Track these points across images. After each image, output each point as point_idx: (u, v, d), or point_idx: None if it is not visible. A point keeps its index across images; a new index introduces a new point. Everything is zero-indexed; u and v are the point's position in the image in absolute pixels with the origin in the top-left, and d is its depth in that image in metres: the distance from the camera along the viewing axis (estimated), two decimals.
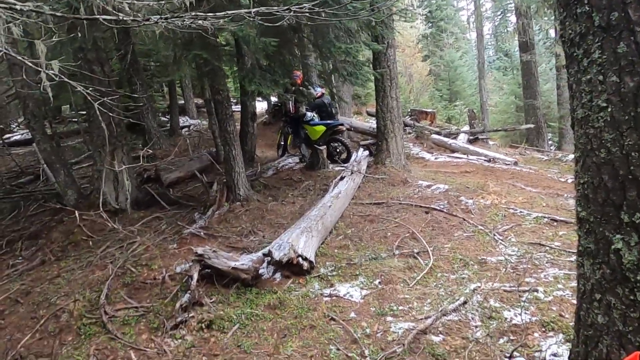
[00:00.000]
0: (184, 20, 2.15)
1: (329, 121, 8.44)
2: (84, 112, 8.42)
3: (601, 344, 1.89)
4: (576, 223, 2.02)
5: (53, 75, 2.24)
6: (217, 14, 2.32)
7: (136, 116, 9.54)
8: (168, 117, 12.39)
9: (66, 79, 2.26)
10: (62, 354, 3.29)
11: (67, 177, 6.43)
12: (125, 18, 1.98)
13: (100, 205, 2.99)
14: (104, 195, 6.03)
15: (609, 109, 1.76)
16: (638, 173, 1.71)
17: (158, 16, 2.04)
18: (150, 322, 3.59)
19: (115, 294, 4.04)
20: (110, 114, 3.78)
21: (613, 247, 1.80)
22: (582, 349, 2.01)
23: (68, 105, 12.16)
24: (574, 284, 3.06)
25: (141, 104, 9.41)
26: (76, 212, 4.12)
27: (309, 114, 8.38)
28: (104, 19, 1.99)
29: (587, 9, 1.80)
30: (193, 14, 2.21)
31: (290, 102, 8.36)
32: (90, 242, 5.27)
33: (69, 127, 11.88)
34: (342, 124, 8.55)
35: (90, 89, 2.31)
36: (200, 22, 2.19)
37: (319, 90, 8.53)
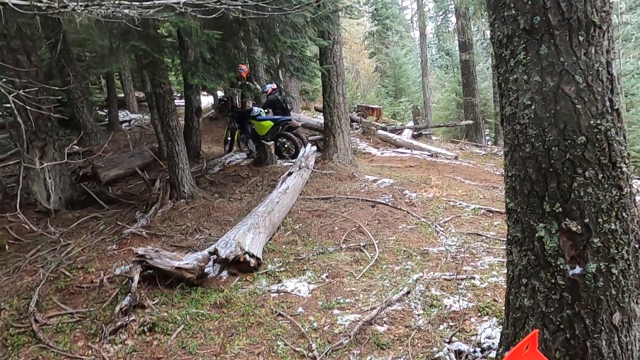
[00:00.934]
0: (108, 9, 2.01)
1: (276, 116, 8.38)
2: (9, 105, 7.75)
3: (527, 325, 2.04)
4: (505, 213, 2.16)
5: None
6: (144, 2, 2.19)
7: (69, 110, 8.95)
8: (106, 111, 11.72)
9: None
10: None
11: None
12: (39, 4, 1.81)
13: (18, 206, 2.75)
14: (33, 195, 5.60)
15: (533, 107, 1.89)
16: (558, 166, 1.86)
17: (75, 3, 1.89)
18: (87, 328, 3.39)
19: (47, 301, 3.78)
20: (33, 108, 3.49)
21: (537, 235, 1.94)
22: (511, 330, 2.16)
23: None
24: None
25: (75, 96, 8.83)
26: None
27: (255, 108, 8.26)
28: (15, 4, 1.82)
29: (514, 12, 1.91)
30: (117, 2, 2.07)
31: (237, 97, 8.20)
32: (18, 246, 4.88)
33: None
34: (290, 119, 8.53)
35: (4, 80, 2.11)
36: (125, 11, 2.07)
37: (268, 87, 8.43)
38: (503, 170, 2.18)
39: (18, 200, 2.63)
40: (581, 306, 1.86)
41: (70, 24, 7.24)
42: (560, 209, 1.86)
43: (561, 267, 1.88)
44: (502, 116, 2.08)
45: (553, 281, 1.91)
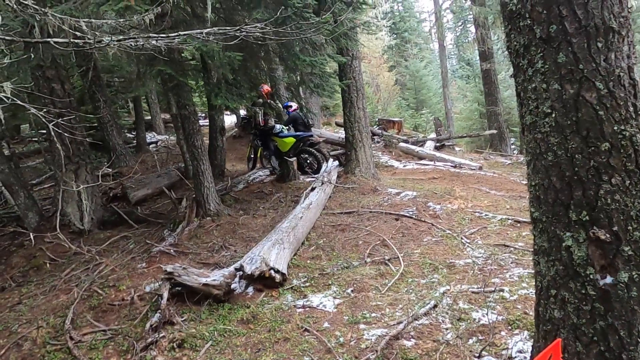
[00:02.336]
0: (138, 41, 2.15)
1: (298, 132, 8.49)
2: (44, 131, 8.15)
3: (559, 338, 1.98)
4: (530, 223, 2.13)
5: (4, 98, 2.18)
6: (170, 34, 2.33)
7: (100, 134, 9.32)
8: (134, 133, 12.15)
9: (18, 101, 2.21)
10: None
11: (27, 199, 6.19)
12: (77, 41, 1.95)
13: (57, 226, 2.90)
14: (67, 216, 5.83)
15: (553, 115, 1.88)
16: (582, 174, 1.83)
17: (109, 38, 2.03)
18: (119, 345, 3.48)
19: (82, 318, 3.90)
20: (67, 134, 3.69)
21: (564, 244, 1.90)
22: (542, 343, 2.10)
23: (28, 124, 11.74)
24: None
25: (105, 120, 9.20)
26: (31, 234, 3.97)
27: (277, 126, 8.40)
28: (56, 42, 1.96)
29: (529, 22, 1.92)
30: (146, 35, 2.21)
31: (260, 115, 8.36)
32: (54, 266, 5.08)
33: (29, 147, 11.44)
34: (312, 135, 8.62)
35: (45, 110, 2.26)
36: (153, 42, 2.20)
37: (292, 105, 8.59)
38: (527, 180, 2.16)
39: (57, 221, 2.78)
40: (614, 317, 1.81)
41: (101, 53, 7.62)
42: (587, 217, 1.83)
43: (591, 277, 1.84)
44: (523, 125, 2.07)
45: (583, 292, 1.86)
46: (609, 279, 1.81)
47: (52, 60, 5.62)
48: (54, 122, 2.24)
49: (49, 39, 1.87)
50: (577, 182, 1.84)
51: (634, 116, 1.80)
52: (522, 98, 2.06)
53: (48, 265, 5.08)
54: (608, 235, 1.79)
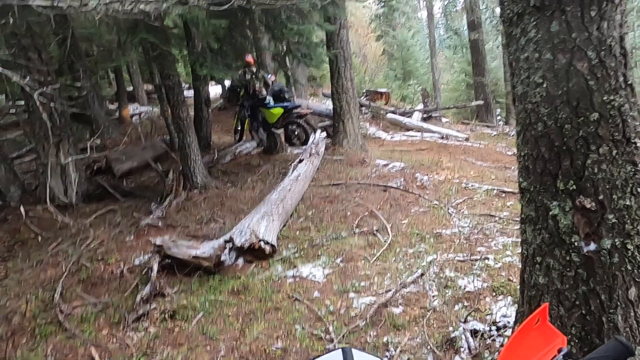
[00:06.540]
0: (125, 5, 2.04)
1: (286, 103, 8.36)
2: (23, 103, 7.87)
3: (543, 302, 2.05)
4: (519, 193, 2.16)
5: None
6: None
7: (81, 105, 9.04)
8: (116, 104, 11.82)
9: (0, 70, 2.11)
10: (17, 356, 3.15)
11: (8, 173, 6.03)
12: (60, 4, 1.84)
13: (47, 199, 2.84)
14: (51, 189, 5.72)
15: (545, 85, 1.88)
16: (571, 144, 1.85)
17: (97, 1, 1.92)
18: (111, 317, 3.50)
19: (71, 291, 3.89)
20: (51, 104, 3.56)
21: (551, 213, 1.94)
22: (526, 308, 2.18)
23: (4, 96, 11.30)
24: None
25: (85, 91, 8.92)
26: (22, 208, 3.88)
27: (268, 97, 8.25)
28: (38, 5, 1.85)
29: None
30: None
31: (258, 83, 8.10)
32: (40, 240, 5.01)
33: (6, 119, 11.05)
34: (299, 106, 8.50)
35: (28, 78, 2.17)
36: (142, 6, 2.09)
37: (271, 77, 8.43)
38: (515, 150, 2.17)
39: (47, 193, 2.70)
40: (596, 282, 1.87)
41: (79, 20, 7.29)
42: (574, 187, 1.86)
43: (576, 244, 1.89)
44: (514, 95, 2.07)
45: (568, 258, 1.92)
46: (592, 246, 1.86)
47: (28, 28, 5.36)
48: (39, 91, 2.14)
49: (30, 2, 1.76)
50: (566, 152, 1.86)
51: (623, 86, 1.80)
52: (513, 68, 2.05)
53: (36, 238, 5.01)
54: (594, 204, 1.83)
